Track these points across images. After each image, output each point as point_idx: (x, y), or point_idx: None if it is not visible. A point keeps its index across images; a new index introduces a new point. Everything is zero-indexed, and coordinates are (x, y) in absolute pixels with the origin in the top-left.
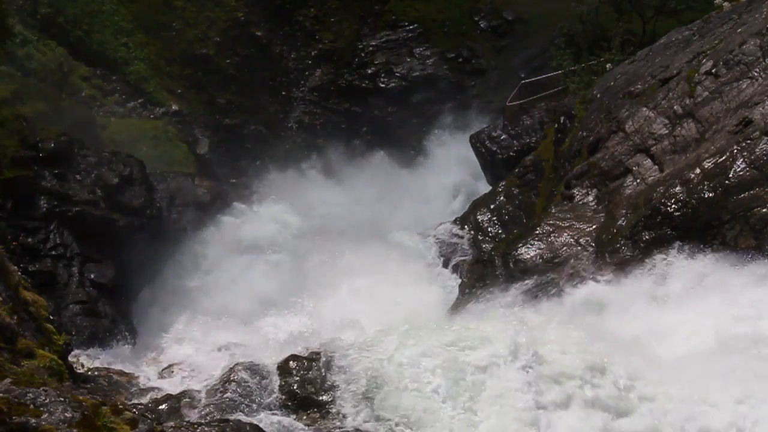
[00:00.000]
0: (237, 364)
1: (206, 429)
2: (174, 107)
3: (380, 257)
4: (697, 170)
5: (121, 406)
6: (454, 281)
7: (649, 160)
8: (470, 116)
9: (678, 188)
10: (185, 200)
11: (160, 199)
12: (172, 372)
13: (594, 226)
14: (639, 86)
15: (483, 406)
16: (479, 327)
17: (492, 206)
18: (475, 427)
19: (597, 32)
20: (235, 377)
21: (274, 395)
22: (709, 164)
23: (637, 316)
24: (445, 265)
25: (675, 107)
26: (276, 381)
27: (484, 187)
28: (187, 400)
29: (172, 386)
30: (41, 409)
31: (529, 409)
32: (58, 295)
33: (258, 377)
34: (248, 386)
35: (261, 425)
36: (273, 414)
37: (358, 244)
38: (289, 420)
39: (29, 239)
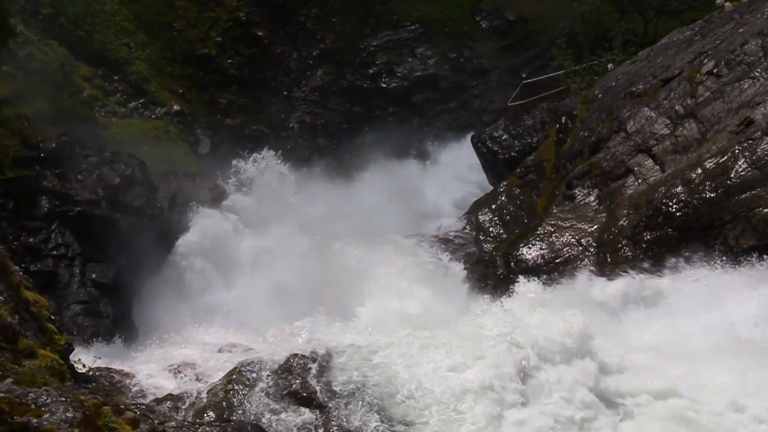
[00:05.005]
0: (238, 363)
1: (208, 429)
2: (175, 107)
3: (382, 257)
4: (699, 170)
5: (122, 406)
6: (454, 281)
7: (650, 160)
8: (472, 116)
9: (679, 188)
10: (186, 200)
11: (161, 199)
12: (174, 372)
13: (595, 226)
14: (640, 86)
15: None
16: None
17: (493, 206)
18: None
19: (598, 32)
20: (237, 377)
21: (276, 395)
22: (711, 164)
23: None
24: (446, 264)
25: (676, 107)
26: (278, 380)
27: (486, 187)
28: (189, 399)
29: (173, 386)
30: (43, 408)
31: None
32: (60, 295)
33: (259, 377)
34: (250, 386)
35: (262, 425)
36: (275, 414)
37: (360, 243)
38: (290, 420)
39: (30, 239)
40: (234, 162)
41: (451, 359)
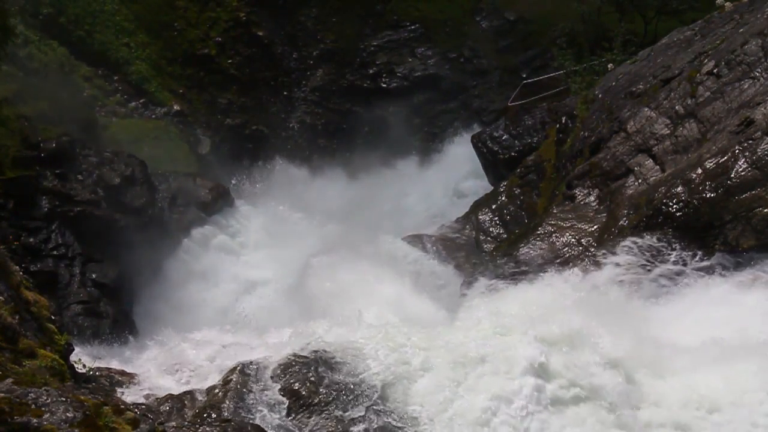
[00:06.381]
0: (238, 363)
1: (207, 429)
2: (176, 107)
3: (382, 256)
4: (699, 170)
5: (122, 406)
6: (455, 281)
7: (650, 160)
8: (472, 116)
9: (680, 188)
10: (187, 200)
11: (161, 200)
12: (174, 372)
13: (596, 226)
14: (641, 86)
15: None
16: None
17: (493, 206)
18: (475, 423)
19: (599, 32)
20: (237, 377)
21: (276, 395)
22: (711, 164)
23: None
24: (447, 264)
25: (677, 107)
26: (277, 380)
27: (486, 187)
28: (189, 400)
29: (173, 386)
30: (43, 408)
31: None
32: (60, 295)
33: (259, 377)
34: (250, 386)
35: (262, 425)
36: (274, 413)
37: (360, 243)
38: (290, 419)
39: (31, 239)
40: (233, 181)
41: (444, 356)
